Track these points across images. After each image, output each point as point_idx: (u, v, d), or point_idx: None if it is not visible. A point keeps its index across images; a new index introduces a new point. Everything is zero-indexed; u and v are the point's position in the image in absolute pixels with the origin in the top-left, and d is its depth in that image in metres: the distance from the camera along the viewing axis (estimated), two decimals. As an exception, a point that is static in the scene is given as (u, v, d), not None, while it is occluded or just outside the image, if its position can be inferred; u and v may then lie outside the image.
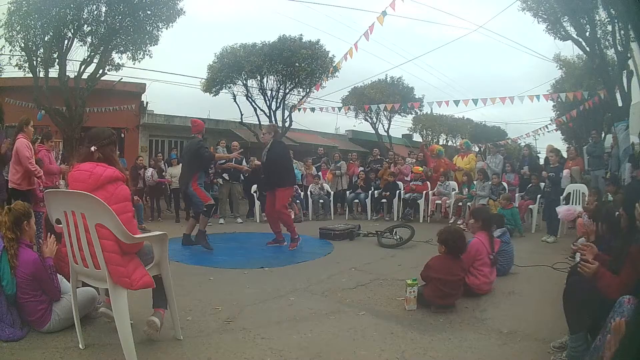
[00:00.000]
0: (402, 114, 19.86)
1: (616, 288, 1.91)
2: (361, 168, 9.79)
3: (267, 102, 15.10)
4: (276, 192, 5.56)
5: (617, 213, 2.55)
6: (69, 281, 2.54)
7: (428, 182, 8.72)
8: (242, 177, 8.78)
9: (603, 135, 12.16)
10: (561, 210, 6.20)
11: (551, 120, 18.47)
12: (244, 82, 14.48)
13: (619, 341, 1.61)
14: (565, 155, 8.55)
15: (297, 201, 8.62)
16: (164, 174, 8.92)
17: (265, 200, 5.77)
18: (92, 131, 2.48)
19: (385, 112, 18.09)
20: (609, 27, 10.82)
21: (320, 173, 9.68)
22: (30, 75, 10.80)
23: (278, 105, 15.21)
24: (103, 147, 2.35)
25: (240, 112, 15.06)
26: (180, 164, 8.47)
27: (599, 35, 11.04)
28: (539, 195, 7.09)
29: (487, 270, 3.51)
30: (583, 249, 2.17)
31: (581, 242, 3.59)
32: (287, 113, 15.30)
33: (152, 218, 8.49)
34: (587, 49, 11.10)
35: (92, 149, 2.30)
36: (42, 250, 2.68)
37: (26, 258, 2.51)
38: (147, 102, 16.08)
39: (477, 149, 18.61)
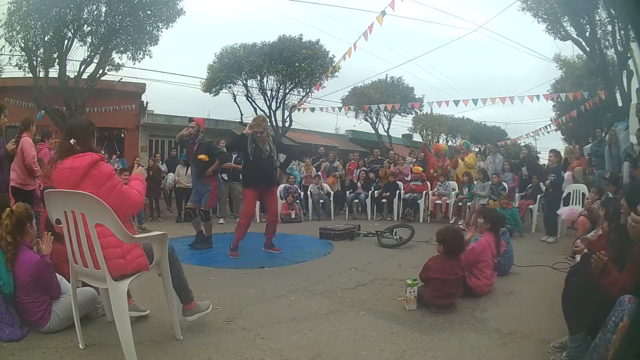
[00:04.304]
0: (402, 114, 19.92)
1: (620, 286, 1.91)
2: (362, 168, 9.78)
3: (267, 102, 15.14)
4: (273, 190, 5.50)
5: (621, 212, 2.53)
6: (69, 281, 2.54)
7: (428, 182, 8.73)
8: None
9: (604, 135, 12.17)
10: (563, 211, 6.19)
11: (551, 120, 18.49)
12: (244, 82, 14.52)
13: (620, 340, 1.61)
14: (564, 155, 8.55)
15: (297, 201, 8.63)
16: (162, 174, 8.91)
17: (265, 201, 5.62)
18: (71, 123, 2.45)
19: (385, 112, 18.12)
20: (609, 27, 10.83)
21: (320, 173, 9.68)
22: (30, 75, 10.82)
23: (278, 105, 15.24)
24: (83, 139, 2.34)
25: (240, 112, 15.13)
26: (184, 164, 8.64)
27: (599, 35, 11.05)
28: (539, 195, 7.09)
29: (490, 273, 3.50)
30: (590, 240, 2.15)
31: (590, 235, 3.57)
32: (287, 113, 15.34)
33: (152, 218, 8.49)
34: (587, 49, 11.11)
35: (72, 141, 2.30)
36: (39, 248, 2.67)
37: (27, 260, 2.49)
38: (147, 102, 16.13)
39: (477, 150, 18.62)
